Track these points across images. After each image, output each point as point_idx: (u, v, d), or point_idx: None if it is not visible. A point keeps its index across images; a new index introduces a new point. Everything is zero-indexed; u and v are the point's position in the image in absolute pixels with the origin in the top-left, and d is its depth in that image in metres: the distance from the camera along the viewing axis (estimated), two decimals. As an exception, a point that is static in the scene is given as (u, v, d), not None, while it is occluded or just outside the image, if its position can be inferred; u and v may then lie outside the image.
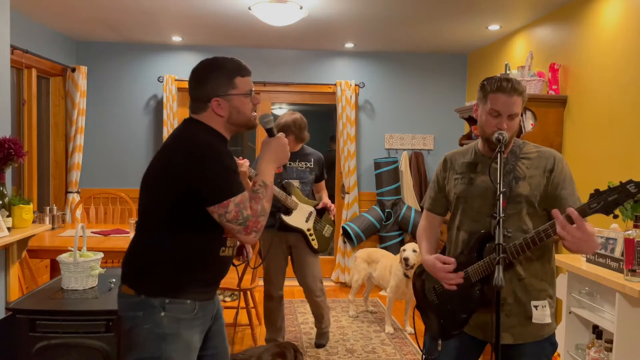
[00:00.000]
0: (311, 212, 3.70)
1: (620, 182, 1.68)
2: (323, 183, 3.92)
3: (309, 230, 3.68)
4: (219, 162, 1.74)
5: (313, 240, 3.70)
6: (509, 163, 1.99)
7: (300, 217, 3.65)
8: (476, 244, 1.97)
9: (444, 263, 2.00)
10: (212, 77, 1.82)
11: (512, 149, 2.03)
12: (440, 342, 2.09)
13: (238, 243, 1.97)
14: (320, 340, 4.05)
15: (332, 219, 3.86)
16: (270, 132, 1.93)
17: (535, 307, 1.94)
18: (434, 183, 2.21)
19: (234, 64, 1.85)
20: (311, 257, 3.75)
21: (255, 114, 1.90)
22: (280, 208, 3.62)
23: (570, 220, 1.68)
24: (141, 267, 1.83)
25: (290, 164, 3.71)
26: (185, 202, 1.75)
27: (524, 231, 1.91)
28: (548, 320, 1.95)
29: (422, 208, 2.26)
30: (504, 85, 1.93)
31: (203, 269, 1.84)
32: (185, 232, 1.79)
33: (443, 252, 2.17)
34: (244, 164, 3.38)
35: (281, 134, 1.92)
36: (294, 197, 3.64)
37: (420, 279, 2.23)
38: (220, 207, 1.70)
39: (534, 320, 1.94)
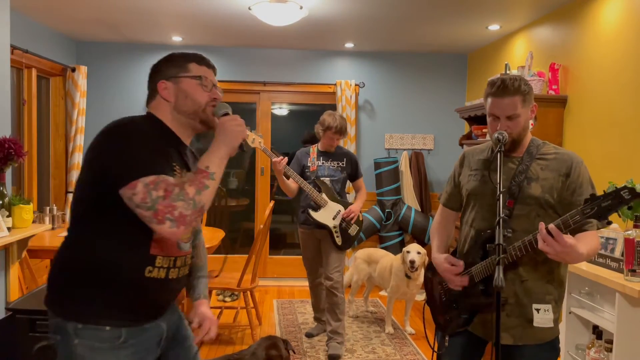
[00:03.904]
0: (339, 210, 3.88)
1: (615, 187, 1.67)
2: (360, 181, 4.08)
3: (334, 227, 3.87)
4: (134, 138, 1.49)
5: (337, 237, 3.88)
6: (523, 163, 1.97)
7: (327, 214, 3.87)
8: (482, 243, 1.97)
9: (452, 264, 2.02)
10: (164, 62, 1.69)
11: (529, 148, 2.00)
12: (447, 337, 2.11)
13: (179, 261, 1.62)
14: (332, 351, 3.81)
15: (361, 219, 4.01)
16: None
17: (537, 310, 1.92)
18: (450, 178, 2.23)
19: (193, 53, 1.70)
20: (334, 251, 3.93)
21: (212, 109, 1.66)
22: (310, 204, 3.89)
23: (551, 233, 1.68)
24: (55, 284, 1.59)
25: (323, 163, 3.95)
26: (100, 195, 1.50)
27: (530, 233, 1.88)
28: (550, 324, 1.94)
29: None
30: (495, 89, 1.93)
31: (122, 292, 1.54)
32: (104, 240, 1.53)
33: (455, 250, 2.18)
34: (281, 162, 3.64)
35: (235, 116, 1.64)
36: (324, 195, 3.87)
37: (431, 275, 2.25)
38: (127, 189, 1.42)
39: (535, 324, 1.92)
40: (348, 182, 4.08)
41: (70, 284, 1.56)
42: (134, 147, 1.48)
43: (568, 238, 1.68)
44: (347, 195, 4.43)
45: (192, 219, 1.44)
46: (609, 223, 1.68)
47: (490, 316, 1.91)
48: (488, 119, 1.99)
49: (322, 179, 3.91)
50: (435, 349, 2.18)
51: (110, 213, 1.51)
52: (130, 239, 1.53)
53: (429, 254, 5.02)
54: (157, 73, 1.69)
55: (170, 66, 1.66)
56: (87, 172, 1.55)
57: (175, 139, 1.66)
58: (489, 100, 1.95)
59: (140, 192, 1.41)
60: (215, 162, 1.52)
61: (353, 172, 4.03)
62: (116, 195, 1.45)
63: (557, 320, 1.98)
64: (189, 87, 1.64)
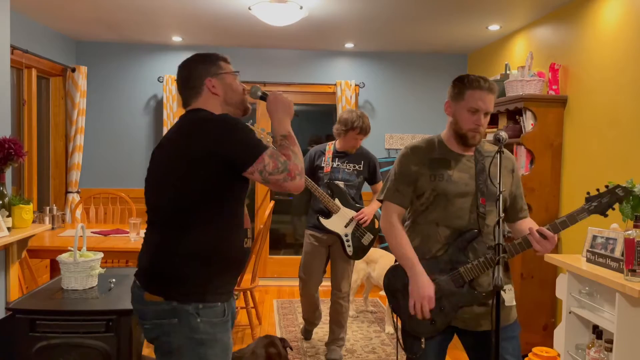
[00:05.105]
0: (353, 217, 3.63)
1: (606, 186, 1.96)
2: (378, 186, 3.76)
3: (346, 236, 3.64)
4: (240, 125, 1.75)
5: (349, 246, 3.65)
6: (479, 162, 2.08)
7: (339, 221, 3.62)
8: (464, 241, 2.04)
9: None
10: (201, 62, 1.90)
11: (477, 147, 2.13)
12: (423, 340, 2.08)
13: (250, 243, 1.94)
14: (332, 356, 3.75)
15: (377, 226, 3.72)
16: (264, 98, 1.99)
17: (504, 290, 2.05)
18: (400, 175, 2.13)
19: (215, 53, 1.94)
20: (344, 260, 3.72)
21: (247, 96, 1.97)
22: (321, 209, 3.64)
23: (543, 235, 1.94)
24: (170, 272, 1.75)
25: (338, 165, 3.67)
26: (215, 183, 1.72)
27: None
28: (514, 302, 2.10)
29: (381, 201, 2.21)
30: (482, 83, 2.02)
31: (233, 263, 1.83)
32: (213, 225, 1.76)
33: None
34: None
35: (272, 91, 1.97)
36: (337, 201, 3.62)
37: (400, 281, 2.12)
38: (258, 164, 1.70)
39: (507, 304, 2.05)
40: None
41: (190, 269, 1.74)
42: (245, 131, 1.74)
43: (555, 236, 1.94)
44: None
45: (304, 171, 1.81)
46: (606, 216, 1.98)
47: (469, 308, 2.05)
48: (464, 114, 2.04)
49: (336, 182, 3.63)
50: (409, 353, 2.15)
51: (220, 199, 1.75)
52: (234, 218, 1.81)
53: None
54: (197, 70, 1.89)
55: (209, 66, 1.89)
56: (194, 175, 1.72)
57: None
58: (473, 93, 2.01)
59: (270, 162, 1.71)
60: (288, 127, 1.87)
61: (371, 177, 3.74)
62: (229, 181, 1.74)
63: (515, 299, 2.15)
64: (232, 81, 1.92)
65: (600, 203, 1.94)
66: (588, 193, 1.98)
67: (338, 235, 3.65)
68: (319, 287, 3.96)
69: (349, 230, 3.64)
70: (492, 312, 1.79)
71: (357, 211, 3.64)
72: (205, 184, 1.72)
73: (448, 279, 2.04)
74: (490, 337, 1.97)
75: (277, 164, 1.72)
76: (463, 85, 2.05)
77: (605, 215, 1.97)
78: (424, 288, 2.01)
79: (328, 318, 3.89)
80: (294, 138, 1.84)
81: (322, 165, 3.69)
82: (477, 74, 2.10)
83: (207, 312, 1.75)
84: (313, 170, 3.72)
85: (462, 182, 2.06)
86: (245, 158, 1.71)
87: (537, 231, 1.94)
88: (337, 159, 3.69)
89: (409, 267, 2.06)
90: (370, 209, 3.66)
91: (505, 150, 2.05)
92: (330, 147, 3.74)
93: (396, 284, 2.13)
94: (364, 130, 3.59)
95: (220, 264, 1.78)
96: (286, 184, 1.73)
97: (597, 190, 1.97)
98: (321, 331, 4.36)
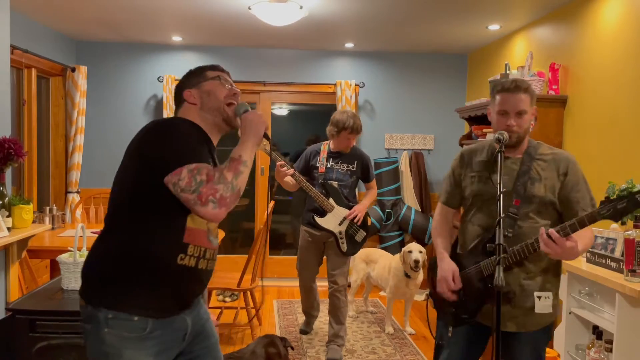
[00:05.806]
0: (346, 215, 3.74)
1: (630, 192, 1.85)
2: (371, 184, 3.94)
3: (340, 233, 3.76)
4: (176, 131, 1.62)
5: (343, 243, 3.77)
6: (525, 164, 2.09)
7: (333, 220, 3.75)
8: (489, 240, 2.06)
9: (454, 280, 2.12)
10: (185, 77, 1.85)
11: (528, 150, 2.12)
12: (451, 328, 2.18)
13: (208, 254, 1.72)
14: (332, 355, 3.76)
15: (369, 224, 3.87)
16: None
17: (539, 297, 2.04)
18: (450, 178, 2.30)
19: (205, 65, 1.86)
20: (338, 255, 3.83)
21: (231, 108, 1.80)
22: (316, 208, 3.76)
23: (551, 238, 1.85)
24: (89, 273, 1.69)
25: (332, 165, 3.78)
26: (140, 186, 1.62)
27: (536, 229, 2.01)
28: (549, 310, 2.07)
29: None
30: (507, 84, 2.06)
31: (153, 279, 1.62)
32: (135, 230, 1.62)
33: (455, 243, 2.28)
34: (286, 172, 3.57)
35: (254, 110, 1.82)
36: (331, 200, 3.74)
37: (435, 270, 2.29)
38: (173, 175, 1.54)
39: (537, 311, 2.04)
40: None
41: (105, 272, 1.64)
42: (178, 138, 1.61)
43: (568, 240, 1.82)
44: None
45: (231, 201, 1.58)
46: (624, 223, 1.96)
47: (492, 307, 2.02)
48: (495, 117, 2.09)
49: (330, 182, 3.74)
50: (437, 339, 2.27)
51: (148, 203, 1.61)
52: (166, 227, 1.63)
53: (429, 253, 5.03)
54: (181, 87, 1.83)
55: (191, 78, 1.82)
56: (130, 164, 1.65)
57: (206, 136, 1.78)
58: (500, 97, 2.07)
59: (186, 177, 1.54)
60: (246, 151, 1.66)
61: (364, 176, 3.86)
62: (156, 186, 1.57)
63: (556, 306, 2.10)
64: (211, 87, 1.78)
65: (615, 209, 1.81)
66: (606, 198, 1.86)
67: (332, 233, 3.76)
68: (319, 288, 4.13)
69: (343, 227, 3.76)
70: (493, 311, 1.80)
71: (350, 209, 3.75)
72: (134, 187, 1.63)
73: (472, 272, 2.12)
74: (514, 339, 2.06)
75: (191, 182, 1.54)
76: (494, 90, 2.14)
77: (623, 223, 1.92)
78: (441, 271, 2.16)
79: (328, 317, 3.91)
80: (238, 164, 1.62)
81: (317, 165, 3.81)
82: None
83: (116, 323, 1.59)
84: (309, 170, 3.84)
85: (494, 184, 2.09)
86: (165, 165, 1.56)
87: (547, 233, 1.87)
88: (331, 159, 3.80)
89: (437, 256, 2.25)
90: (362, 206, 3.79)
91: (560, 151, 2.14)
92: (325, 147, 3.85)
93: (431, 273, 2.31)
94: (355, 130, 3.68)
95: (140, 275, 1.61)
96: (196, 207, 1.54)
97: (617, 195, 1.91)
98: (321, 331, 4.37)
